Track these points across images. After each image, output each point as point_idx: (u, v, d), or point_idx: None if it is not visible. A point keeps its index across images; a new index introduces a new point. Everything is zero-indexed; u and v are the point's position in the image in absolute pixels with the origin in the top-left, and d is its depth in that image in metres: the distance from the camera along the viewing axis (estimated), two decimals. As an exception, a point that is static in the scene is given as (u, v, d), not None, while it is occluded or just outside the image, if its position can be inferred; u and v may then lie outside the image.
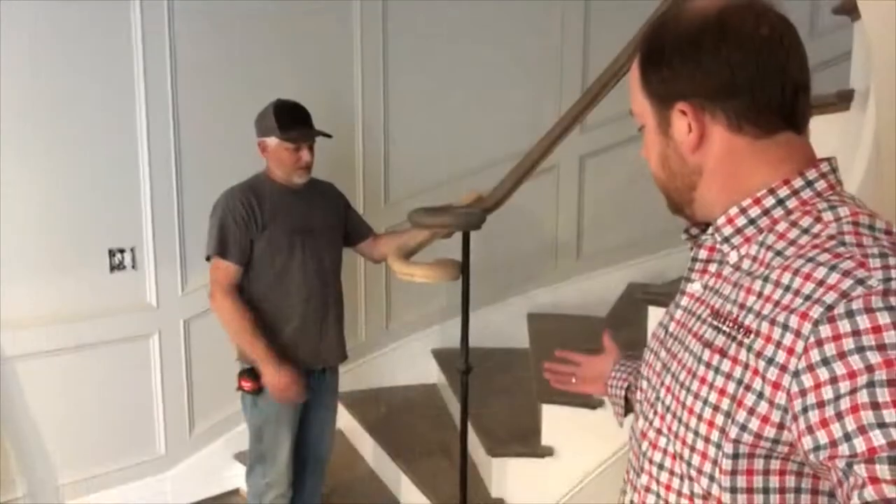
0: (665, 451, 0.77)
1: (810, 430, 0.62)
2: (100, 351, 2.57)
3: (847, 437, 0.60)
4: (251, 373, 2.17)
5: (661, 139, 0.77)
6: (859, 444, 0.59)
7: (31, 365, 2.45)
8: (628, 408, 1.13)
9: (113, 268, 2.57)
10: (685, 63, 0.73)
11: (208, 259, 2.20)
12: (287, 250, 2.16)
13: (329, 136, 2.23)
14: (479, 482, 2.40)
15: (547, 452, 2.26)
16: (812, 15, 2.87)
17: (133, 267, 2.61)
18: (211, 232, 2.16)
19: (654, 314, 2.04)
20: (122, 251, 2.58)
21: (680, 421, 0.74)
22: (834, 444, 0.61)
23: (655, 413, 0.79)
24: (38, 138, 2.39)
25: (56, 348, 2.48)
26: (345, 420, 2.88)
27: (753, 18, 0.71)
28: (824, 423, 0.61)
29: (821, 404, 0.62)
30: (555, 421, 2.27)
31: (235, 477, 2.79)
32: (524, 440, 2.35)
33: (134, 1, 2.47)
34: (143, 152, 2.56)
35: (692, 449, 0.72)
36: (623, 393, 1.13)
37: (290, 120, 2.15)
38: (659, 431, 0.78)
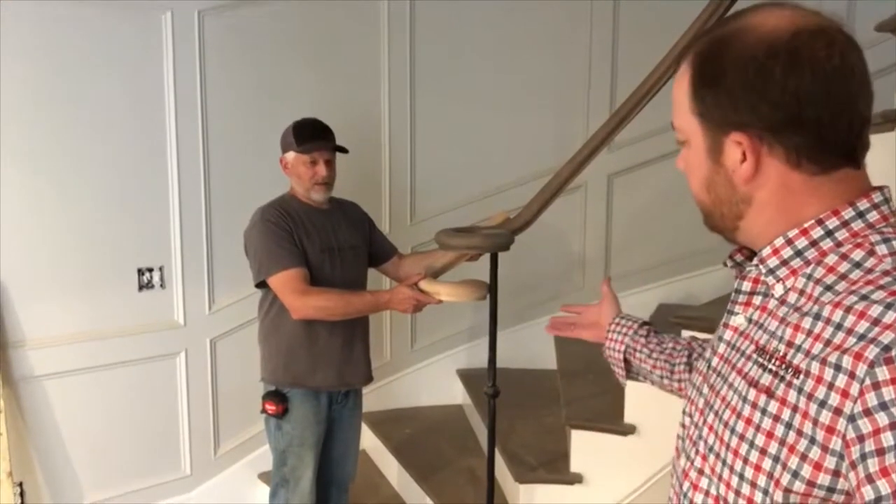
0: (707, 493, 0.73)
1: (870, 479, 0.58)
2: (127, 369, 2.58)
3: None
4: (275, 395, 2.16)
5: (710, 164, 0.72)
6: None
7: (59, 383, 2.46)
8: (631, 370, 1.17)
9: (142, 286, 2.59)
10: (748, 91, 0.66)
11: (262, 285, 2.16)
12: (316, 269, 2.15)
13: (345, 150, 2.23)
14: (505, 508, 2.35)
15: (576, 479, 2.21)
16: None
17: (161, 286, 2.62)
18: (256, 254, 2.13)
19: (687, 338, 1.99)
20: (150, 270, 2.60)
21: (724, 463, 0.71)
22: None
23: (697, 452, 0.76)
24: (67, 158, 2.42)
25: (84, 367, 2.50)
26: (369, 440, 2.85)
27: (826, 46, 0.65)
28: (885, 472, 0.58)
29: (881, 451, 0.58)
30: (584, 447, 2.22)
31: (259, 498, 2.77)
32: (552, 466, 2.30)
33: (164, 18, 2.50)
34: (173, 172, 2.59)
35: (737, 493, 0.69)
36: (622, 356, 1.16)
37: (307, 134, 2.17)
38: (701, 472, 0.74)
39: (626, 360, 1.16)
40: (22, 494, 2.40)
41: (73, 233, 2.46)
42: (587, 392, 2.47)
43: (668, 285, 3.16)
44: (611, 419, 2.20)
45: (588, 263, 3.20)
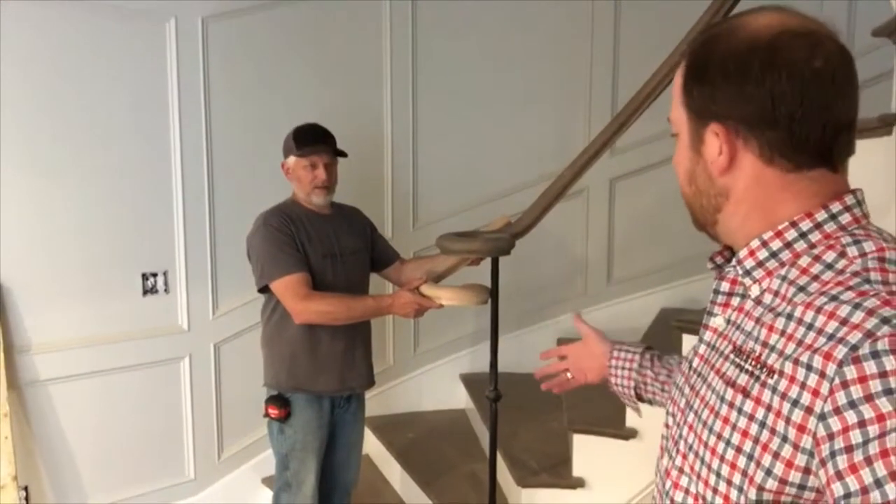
0: (687, 491, 0.75)
1: (839, 475, 0.60)
2: (131, 374, 2.59)
3: (878, 484, 0.57)
4: (278, 399, 2.16)
5: (692, 155, 0.75)
6: (891, 491, 0.57)
7: (64, 387, 2.48)
8: (643, 400, 1.14)
9: (146, 291, 2.61)
10: (728, 84, 0.69)
11: (264, 290, 2.18)
12: (318, 274, 2.16)
13: (345, 154, 2.25)
14: (507, 512, 2.35)
15: (578, 484, 2.22)
16: (848, 36, 2.81)
17: (165, 291, 2.64)
18: (259, 259, 2.15)
19: (689, 342, 2.00)
20: (154, 275, 2.62)
21: (702, 461, 0.72)
22: (865, 490, 0.58)
23: (678, 451, 0.77)
24: (72, 164, 2.44)
25: (89, 371, 2.52)
26: (372, 445, 2.86)
27: (808, 48, 0.67)
28: (853, 469, 0.59)
29: (849, 449, 0.59)
30: (586, 451, 2.22)
31: (263, 502, 2.78)
32: (554, 470, 2.30)
33: (168, 24, 2.53)
34: (177, 177, 2.61)
35: (714, 491, 0.70)
36: (633, 393, 1.13)
37: (307, 138, 2.20)
38: (681, 470, 0.76)
39: (636, 394, 1.13)
40: (27, 498, 2.42)
41: (77, 238, 2.48)
42: (589, 396, 2.45)
43: (671, 289, 3.16)
44: (613, 423, 2.20)
45: (590, 267, 3.21)
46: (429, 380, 3.14)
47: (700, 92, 0.72)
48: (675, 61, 2.00)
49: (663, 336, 2.49)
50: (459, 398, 3.12)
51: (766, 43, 0.68)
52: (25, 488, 2.42)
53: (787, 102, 0.67)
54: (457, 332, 3.11)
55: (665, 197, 3.02)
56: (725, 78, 0.70)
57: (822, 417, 0.61)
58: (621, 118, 2.06)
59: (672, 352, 2.16)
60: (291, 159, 2.21)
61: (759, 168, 0.71)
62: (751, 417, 0.67)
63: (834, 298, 0.64)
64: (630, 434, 2.15)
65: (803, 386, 0.63)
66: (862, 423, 0.59)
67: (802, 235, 0.70)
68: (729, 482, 0.68)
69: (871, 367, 0.59)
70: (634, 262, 3.18)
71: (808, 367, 0.63)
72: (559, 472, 2.28)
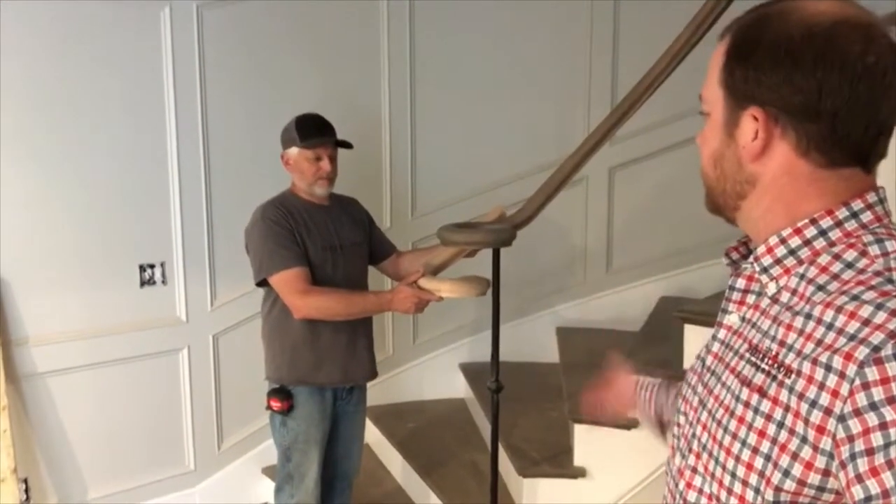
0: (701, 492, 0.74)
1: (860, 478, 0.59)
2: (130, 366, 2.58)
3: None
4: (280, 392, 2.16)
5: (723, 137, 0.72)
6: None
7: (62, 380, 2.47)
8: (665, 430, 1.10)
9: (143, 283, 2.59)
10: (775, 70, 0.66)
11: (262, 284, 2.16)
12: (318, 267, 2.14)
13: (349, 145, 2.22)
14: (509, 502, 2.35)
15: (579, 473, 2.22)
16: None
17: (163, 282, 2.62)
18: (257, 253, 2.13)
19: (691, 332, 1.99)
20: (152, 266, 2.60)
21: (717, 461, 0.71)
22: (886, 493, 0.57)
23: (691, 450, 0.76)
24: (68, 155, 2.42)
25: (87, 363, 2.50)
26: (372, 434, 2.86)
27: (864, 43, 0.65)
28: (875, 472, 0.58)
29: (870, 451, 0.58)
30: (587, 441, 2.22)
31: (263, 492, 2.78)
32: (555, 460, 2.30)
33: (163, 12, 2.49)
34: (173, 167, 2.58)
35: (729, 491, 0.69)
36: (655, 419, 1.09)
37: (310, 129, 2.16)
38: (695, 470, 0.75)
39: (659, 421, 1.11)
40: (27, 491, 2.42)
41: (74, 230, 2.46)
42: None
43: (670, 278, 3.15)
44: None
45: (589, 257, 3.20)
46: (428, 369, 3.13)
47: (743, 73, 0.69)
48: (677, 50, 1.99)
49: (665, 325, 2.49)
50: (459, 388, 3.12)
51: (823, 31, 0.65)
52: (25, 481, 2.41)
53: (834, 97, 0.65)
54: (456, 321, 3.11)
55: (664, 185, 3.02)
56: (774, 63, 0.67)
57: (842, 419, 0.60)
58: (622, 108, 2.04)
59: (672, 342, 2.16)
60: (294, 150, 2.17)
61: (792, 159, 0.69)
62: (768, 417, 0.66)
63: (855, 298, 0.63)
64: (632, 424, 2.14)
65: (822, 386, 0.62)
66: (883, 426, 0.58)
67: (822, 233, 0.68)
68: (745, 483, 0.68)
69: (893, 368, 0.58)
70: (634, 250, 3.17)
71: (828, 368, 0.62)
72: (560, 462, 2.28)
